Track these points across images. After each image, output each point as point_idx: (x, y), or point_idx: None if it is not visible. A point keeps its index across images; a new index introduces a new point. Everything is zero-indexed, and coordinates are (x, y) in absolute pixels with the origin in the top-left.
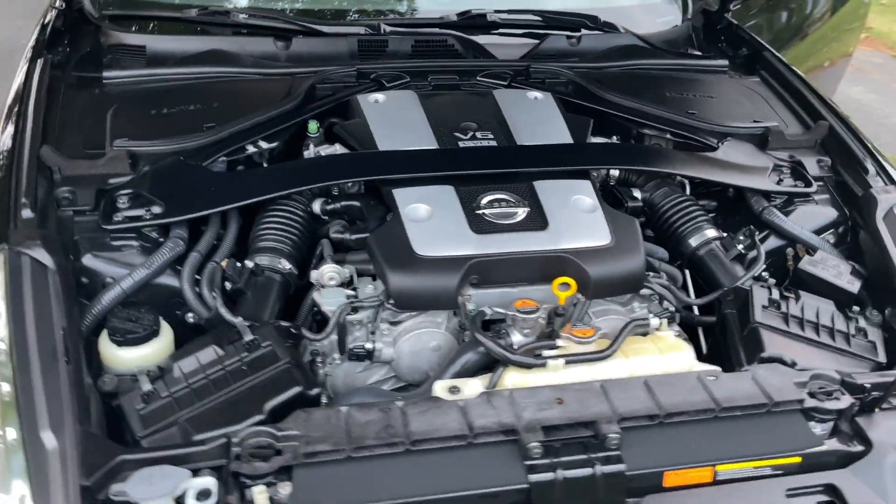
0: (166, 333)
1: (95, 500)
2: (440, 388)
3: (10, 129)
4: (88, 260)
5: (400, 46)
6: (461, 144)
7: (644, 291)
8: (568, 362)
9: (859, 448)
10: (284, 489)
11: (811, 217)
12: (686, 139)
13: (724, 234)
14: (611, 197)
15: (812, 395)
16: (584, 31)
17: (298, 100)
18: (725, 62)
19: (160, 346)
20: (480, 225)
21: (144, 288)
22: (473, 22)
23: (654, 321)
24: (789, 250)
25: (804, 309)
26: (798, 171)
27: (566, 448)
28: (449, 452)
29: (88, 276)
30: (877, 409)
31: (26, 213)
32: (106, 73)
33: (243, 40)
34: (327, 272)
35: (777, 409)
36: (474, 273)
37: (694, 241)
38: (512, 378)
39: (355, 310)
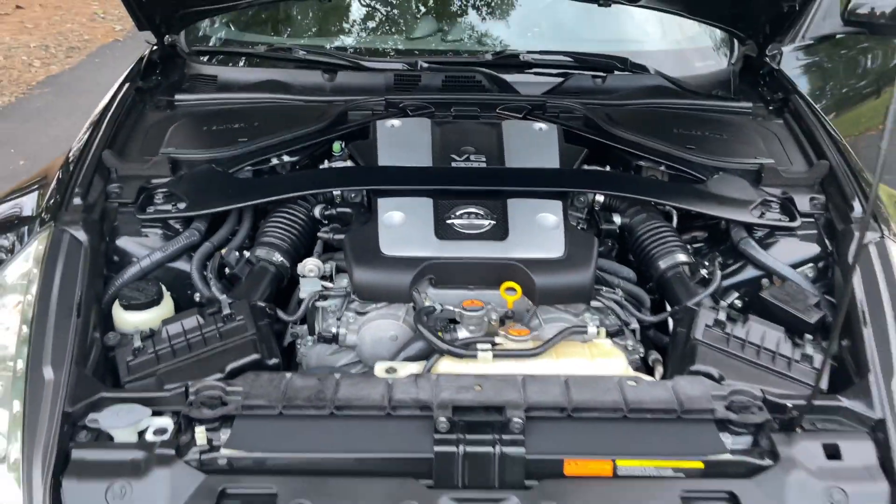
0: (166, 304)
1: (75, 426)
2: (379, 368)
3: (85, 137)
4: (122, 242)
5: (431, 81)
6: (454, 165)
7: (600, 305)
8: (496, 356)
9: (767, 462)
10: (224, 434)
11: (791, 250)
12: (678, 171)
13: (694, 260)
14: (591, 219)
15: (729, 408)
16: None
17: (326, 123)
18: (749, 105)
19: (159, 313)
20: (445, 232)
21: (163, 269)
22: (506, 61)
23: (592, 330)
24: (765, 280)
25: (749, 332)
26: (787, 207)
27: (473, 427)
28: (368, 420)
29: (119, 256)
30: (798, 430)
31: (76, 201)
32: (178, 97)
33: (296, 73)
34: (308, 265)
35: (687, 417)
36: (430, 273)
37: (663, 264)
38: (445, 366)
39: (325, 297)
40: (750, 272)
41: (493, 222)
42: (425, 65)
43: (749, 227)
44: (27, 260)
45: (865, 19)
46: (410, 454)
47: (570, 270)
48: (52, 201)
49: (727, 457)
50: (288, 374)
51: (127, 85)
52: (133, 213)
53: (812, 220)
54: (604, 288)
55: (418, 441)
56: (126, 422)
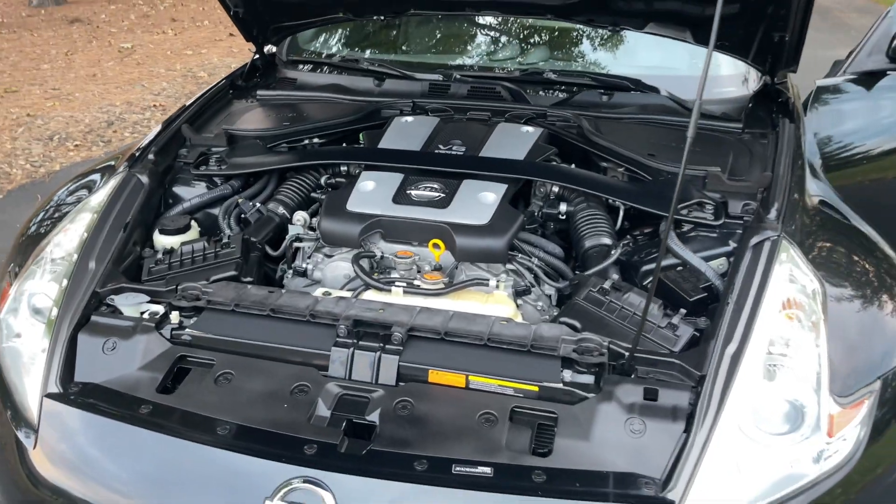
0: (192, 233)
1: (100, 302)
2: (318, 291)
3: (174, 114)
4: (177, 189)
5: (459, 90)
6: (436, 152)
7: (514, 268)
8: (406, 292)
9: (591, 395)
10: (193, 320)
11: (709, 244)
12: (634, 173)
13: (616, 243)
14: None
15: (575, 350)
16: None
17: (355, 117)
18: (738, 125)
19: (184, 238)
20: (401, 199)
21: (204, 214)
22: (531, 77)
23: (493, 283)
24: (680, 268)
25: (627, 300)
26: (718, 209)
27: (365, 337)
28: (293, 323)
29: (174, 199)
30: (633, 375)
31: (150, 157)
32: (259, 92)
33: (355, 78)
34: (297, 216)
35: (536, 351)
36: (379, 228)
37: (587, 243)
38: (368, 295)
39: (300, 240)
40: (670, 259)
41: (443, 195)
42: (458, 76)
43: (677, 224)
44: (104, 191)
45: None
46: (315, 350)
47: (487, 236)
48: (134, 155)
49: (559, 386)
50: (249, 286)
51: (224, 81)
52: (189, 170)
53: (740, 221)
54: (519, 255)
55: (323, 341)
56: (130, 303)
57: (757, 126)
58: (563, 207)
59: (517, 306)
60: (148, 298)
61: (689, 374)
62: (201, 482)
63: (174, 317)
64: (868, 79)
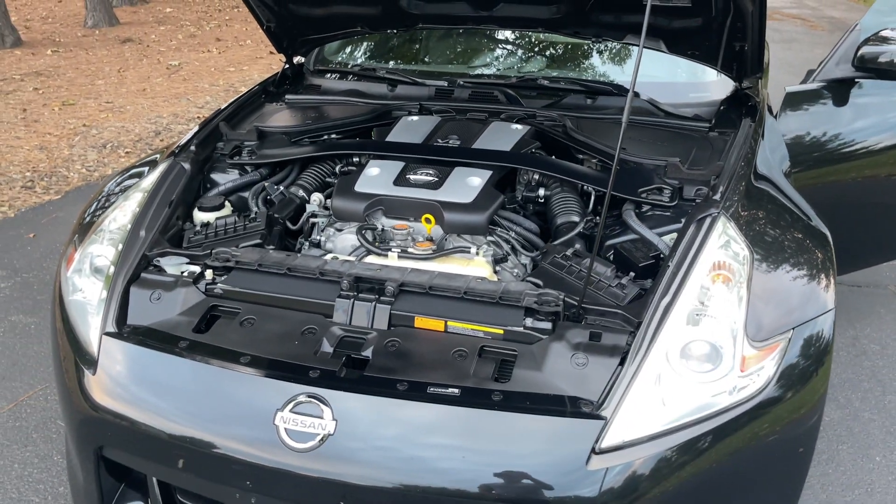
0: (226, 210)
1: (149, 263)
2: (329, 256)
3: (213, 115)
4: (214, 175)
5: (461, 94)
6: (434, 145)
7: (493, 240)
8: (400, 257)
9: (545, 337)
10: (224, 277)
11: (661, 221)
12: (605, 163)
13: (583, 222)
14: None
15: (536, 301)
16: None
17: (369, 116)
18: (706, 124)
19: (219, 214)
20: (401, 181)
21: (237, 197)
22: (526, 83)
23: (473, 250)
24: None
25: (585, 264)
26: (674, 193)
27: (364, 290)
28: (305, 280)
29: (211, 184)
30: (583, 322)
31: (192, 148)
32: (287, 96)
33: (371, 84)
34: (313, 196)
35: (503, 302)
36: (381, 205)
37: (559, 220)
38: (370, 260)
39: (316, 216)
40: (630, 235)
41: (436, 179)
42: (461, 82)
43: (638, 204)
44: (153, 176)
45: (874, 66)
46: (322, 300)
47: (471, 212)
48: (179, 146)
49: (520, 329)
50: (271, 250)
51: (257, 87)
52: (224, 159)
53: (693, 203)
54: (498, 229)
55: (329, 294)
56: (173, 264)
57: (725, 126)
58: (541, 192)
59: (495, 271)
60: (187, 260)
61: (629, 321)
62: (227, 399)
63: (208, 274)
64: (836, 86)
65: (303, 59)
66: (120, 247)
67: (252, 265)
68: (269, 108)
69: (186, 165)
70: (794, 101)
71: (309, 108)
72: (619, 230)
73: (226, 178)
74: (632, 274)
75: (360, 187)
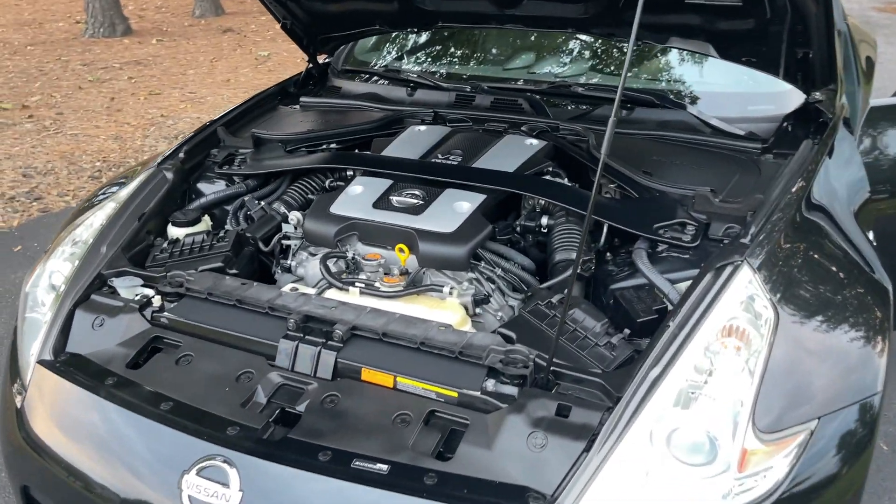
0: (202, 225)
1: (103, 283)
2: (290, 285)
3: (211, 119)
4: (200, 185)
5: (483, 101)
6: (432, 161)
7: (473, 277)
8: (362, 292)
9: (504, 405)
10: (174, 303)
11: (677, 265)
12: (624, 190)
13: (591, 259)
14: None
15: (502, 360)
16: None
17: (375, 124)
18: (757, 145)
19: (193, 230)
20: (381, 204)
21: (221, 209)
22: (557, 90)
23: (446, 290)
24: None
25: (571, 316)
26: (699, 230)
27: (311, 332)
28: (254, 314)
29: (196, 194)
30: (554, 390)
31: (180, 155)
32: (302, 99)
33: (390, 88)
34: (291, 215)
35: (464, 358)
36: (353, 231)
37: (557, 256)
38: (331, 293)
39: (288, 237)
40: (639, 279)
41: (421, 202)
42: (486, 87)
43: (653, 243)
44: (132, 185)
45: None
46: (266, 340)
47: (449, 243)
48: (167, 154)
49: (476, 394)
50: (227, 277)
51: (274, 87)
52: (213, 168)
53: (720, 244)
54: (482, 264)
55: (276, 332)
56: (126, 285)
57: (785, 146)
58: (544, 220)
59: (474, 314)
60: (141, 282)
61: (608, 394)
62: (139, 452)
63: (156, 301)
64: None
65: (329, 59)
66: (76, 264)
67: (202, 293)
68: (281, 111)
69: (169, 174)
70: (880, 117)
71: (320, 112)
72: (627, 272)
73: (211, 190)
74: (627, 331)
75: (335, 208)
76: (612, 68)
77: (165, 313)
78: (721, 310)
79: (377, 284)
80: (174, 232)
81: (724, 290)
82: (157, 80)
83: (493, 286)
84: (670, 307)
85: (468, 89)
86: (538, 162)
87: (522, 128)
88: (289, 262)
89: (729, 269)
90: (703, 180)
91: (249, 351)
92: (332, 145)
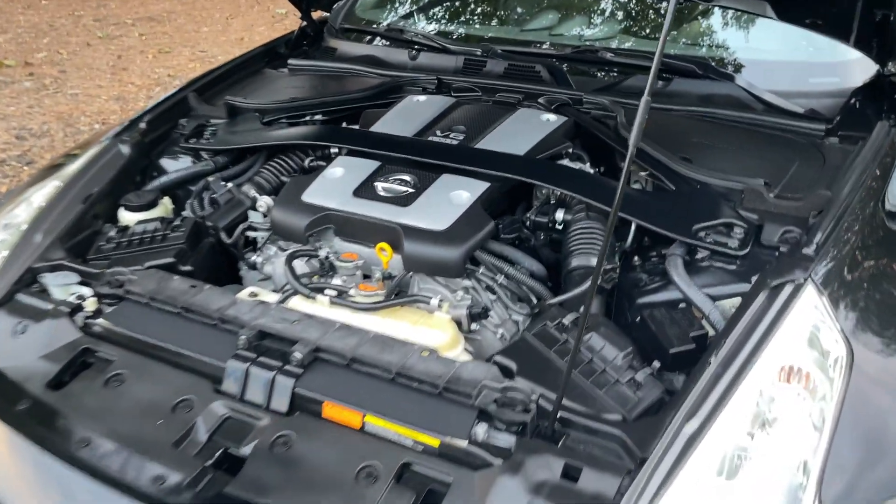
0: (160, 209)
1: (33, 278)
2: (249, 290)
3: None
4: (163, 161)
5: (495, 68)
6: (429, 139)
7: (469, 285)
8: (333, 302)
9: (496, 460)
10: (111, 308)
11: (722, 278)
12: (658, 180)
13: (613, 267)
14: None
15: (497, 400)
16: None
17: (367, 93)
18: (821, 126)
19: (147, 216)
20: (363, 192)
21: (185, 190)
22: (584, 56)
23: (434, 302)
24: (681, 306)
25: (588, 342)
26: (749, 234)
27: (266, 352)
28: (201, 325)
29: (158, 171)
30: (560, 442)
31: (141, 125)
32: (290, 61)
33: (391, 51)
34: (261, 202)
35: (449, 396)
36: (327, 223)
37: (574, 262)
38: (296, 302)
39: (254, 228)
40: (672, 293)
41: (411, 191)
42: (500, 51)
43: (691, 248)
44: (80, 160)
45: None
46: (212, 360)
47: (441, 244)
48: (126, 123)
49: (462, 444)
50: (175, 277)
51: (261, 48)
52: (181, 141)
53: (775, 252)
54: (480, 269)
55: (223, 351)
56: (59, 283)
57: (855, 128)
58: (559, 215)
59: (469, 332)
60: (78, 279)
61: (630, 452)
62: (40, 498)
63: (89, 303)
64: None
65: (327, 15)
66: (4, 254)
67: (143, 296)
68: (266, 75)
69: (125, 148)
70: None
71: (309, 77)
72: (658, 284)
73: (175, 167)
74: (656, 364)
75: (308, 196)
76: (648, 31)
77: (100, 320)
78: (778, 344)
79: (351, 292)
80: (126, 217)
81: (783, 318)
82: (168, 38)
83: (493, 297)
84: (711, 333)
85: (479, 53)
86: (555, 142)
87: (539, 100)
88: (254, 257)
89: (788, 290)
90: (755, 169)
91: (193, 371)
92: (317, 117)
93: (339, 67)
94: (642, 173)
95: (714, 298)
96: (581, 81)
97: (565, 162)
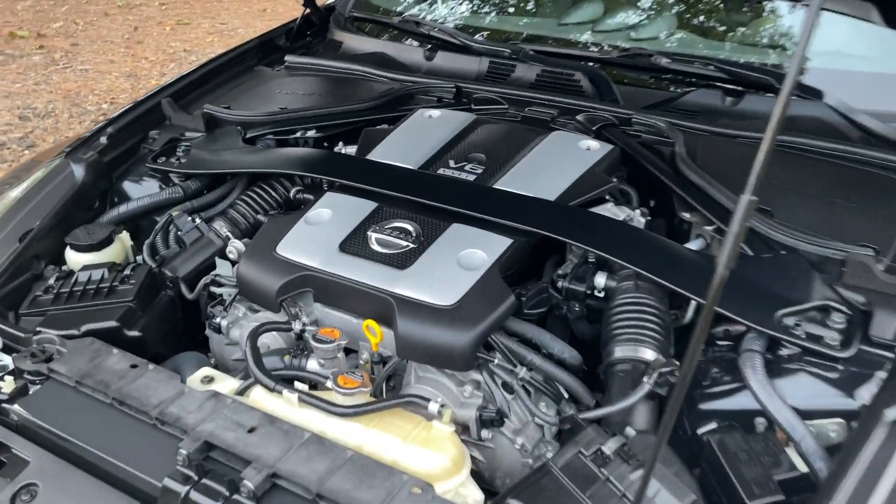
0: (114, 249)
1: None
2: (200, 373)
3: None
4: (125, 185)
5: (525, 74)
6: (441, 172)
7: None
8: (301, 401)
9: None
10: (33, 389)
11: (818, 388)
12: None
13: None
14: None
15: None
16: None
17: (372, 104)
18: None
19: (100, 258)
20: (352, 245)
21: (150, 220)
22: (634, 61)
23: (434, 407)
24: (759, 420)
25: (635, 486)
26: (854, 325)
27: (212, 474)
28: (137, 423)
29: (119, 197)
30: None
31: (102, 140)
32: (287, 58)
33: (403, 48)
34: (231, 246)
35: None
36: (308, 286)
37: (618, 352)
38: (257, 394)
39: (218, 283)
40: (747, 400)
41: (412, 245)
42: (531, 52)
43: (774, 342)
44: (23, 185)
45: None
46: (144, 476)
47: (446, 326)
48: (84, 137)
49: None
50: (115, 351)
51: (254, 41)
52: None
53: (890, 356)
54: (496, 358)
55: (158, 466)
56: None
57: None
58: (600, 280)
59: (480, 440)
60: (1, 344)
61: None
62: None
63: (8, 383)
64: None
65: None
66: None
67: (69, 378)
68: (258, 74)
69: (79, 170)
70: None
71: (306, 79)
72: (729, 387)
73: (140, 192)
74: None
75: (284, 247)
76: (721, 28)
77: (16, 406)
78: None
79: (329, 384)
80: (73, 259)
81: None
82: (189, 9)
83: (511, 395)
84: (804, 469)
85: (506, 54)
86: (597, 182)
87: (578, 117)
88: (219, 318)
89: None
90: (858, 229)
91: (122, 487)
92: (310, 133)
93: (343, 68)
94: (708, 228)
95: (804, 415)
96: (629, 93)
97: (609, 206)
